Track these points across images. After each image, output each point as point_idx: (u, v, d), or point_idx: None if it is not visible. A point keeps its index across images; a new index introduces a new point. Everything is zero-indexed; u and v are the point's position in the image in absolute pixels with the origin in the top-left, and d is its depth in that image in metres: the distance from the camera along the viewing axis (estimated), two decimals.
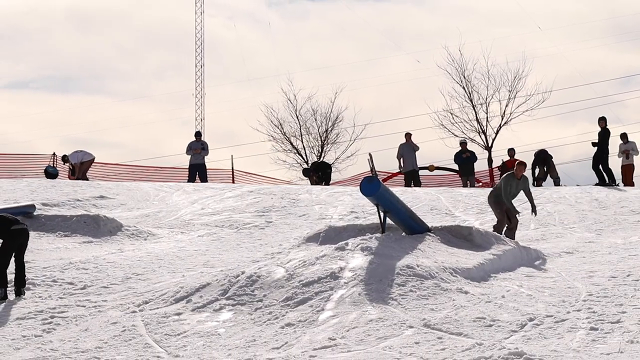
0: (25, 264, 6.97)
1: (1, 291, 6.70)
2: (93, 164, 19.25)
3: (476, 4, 60.18)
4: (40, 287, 7.05)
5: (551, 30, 51.77)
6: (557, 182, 17.27)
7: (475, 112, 28.08)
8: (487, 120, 28.05)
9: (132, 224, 10.68)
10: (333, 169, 23.61)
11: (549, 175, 17.51)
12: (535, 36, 47.98)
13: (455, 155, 18.87)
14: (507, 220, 9.62)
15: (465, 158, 18.25)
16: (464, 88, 28.27)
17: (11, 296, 6.69)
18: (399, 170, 18.81)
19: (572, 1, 62.03)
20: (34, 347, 5.13)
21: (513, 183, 9.65)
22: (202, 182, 17.21)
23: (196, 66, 36.61)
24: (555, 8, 57.04)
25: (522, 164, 10.10)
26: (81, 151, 18.64)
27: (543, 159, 17.57)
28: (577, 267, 7.29)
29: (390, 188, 9.55)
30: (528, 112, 28.01)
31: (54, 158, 21.03)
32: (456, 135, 26.58)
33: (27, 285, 6.89)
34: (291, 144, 30.96)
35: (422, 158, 19.33)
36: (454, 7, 60.33)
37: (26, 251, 7.03)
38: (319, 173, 19.75)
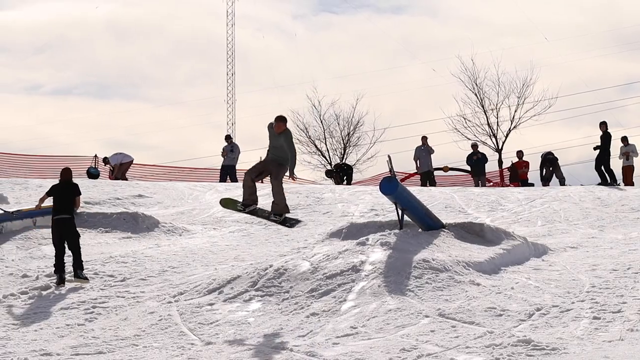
0: (77, 250, 7.13)
1: (58, 276, 6.89)
2: (132, 165, 19.32)
3: (487, 16, 59.60)
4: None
5: (557, 41, 50.93)
6: (562, 182, 17.10)
7: (487, 116, 28.04)
8: (497, 125, 28.01)
9: (168, 221, 10.69)
10: (354, 170, 23.63)
11: (554, 176, 17.41)
12: (542, 46, 47.22)
13: (467, 157, 18.67)
14: None
15: (476, 160, 18.05)
16: (476, 95, 28.27)
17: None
18: (415, 171, 18.72)
19: (576, 14, 61.08)
20: (77, 335, 5.28)
21: None
22: (232, 182, 17.19)
23: (227, 74, 36.69)
24: (560, 20, 56.20)
25: None
26: (120, 153, 18.77)
27: (549, 160, 17.46)
28: (581, 260, 7.16)
29: (407, 187, 9.49)
30: (536, 116, 27.93)
31: (95, 159, 21.10)
32: (468, 139, 26.40)
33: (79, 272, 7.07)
34: (316, 146, 31.21)
35: (436, 160, 19.20)
36: (466, 19, 59.77)
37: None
38: (341, 174, 19.80)
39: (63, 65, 70.75)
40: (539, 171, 17.86)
